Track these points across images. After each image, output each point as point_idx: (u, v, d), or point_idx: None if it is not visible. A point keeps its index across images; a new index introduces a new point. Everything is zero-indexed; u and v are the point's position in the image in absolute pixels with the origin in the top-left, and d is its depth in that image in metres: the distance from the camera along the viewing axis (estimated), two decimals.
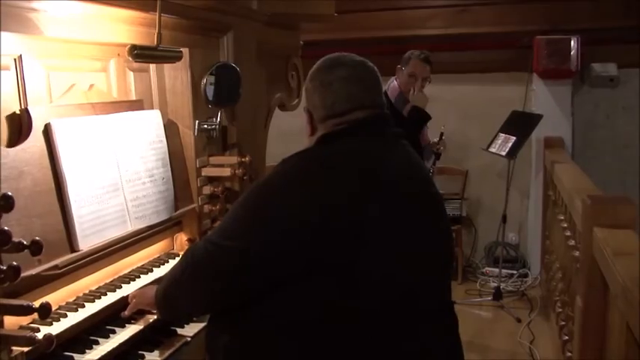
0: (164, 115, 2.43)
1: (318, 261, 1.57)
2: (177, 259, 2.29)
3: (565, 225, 3.87)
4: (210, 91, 2.49)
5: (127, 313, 1.96)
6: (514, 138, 5.07)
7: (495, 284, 5.33)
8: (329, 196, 1.58)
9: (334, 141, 1.73)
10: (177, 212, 2.38)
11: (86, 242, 1.94)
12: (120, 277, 2.15)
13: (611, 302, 2.41)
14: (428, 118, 4.25)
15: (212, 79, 2.50)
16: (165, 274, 1.90)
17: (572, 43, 5.45)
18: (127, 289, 2.06)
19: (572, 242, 3.54)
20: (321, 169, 1.64)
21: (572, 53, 5.45)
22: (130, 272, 2.20)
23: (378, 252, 1.60)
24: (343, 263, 1.57)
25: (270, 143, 3.13)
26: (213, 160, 2.58)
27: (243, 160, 2.58)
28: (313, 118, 1.81)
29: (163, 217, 2.30)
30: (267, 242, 1.59)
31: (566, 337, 3.53)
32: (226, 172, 2.54)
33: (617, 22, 5.46)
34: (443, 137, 4.49)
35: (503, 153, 5.08)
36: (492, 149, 5.21)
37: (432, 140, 4.48)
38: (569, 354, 3.35)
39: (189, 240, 2.47)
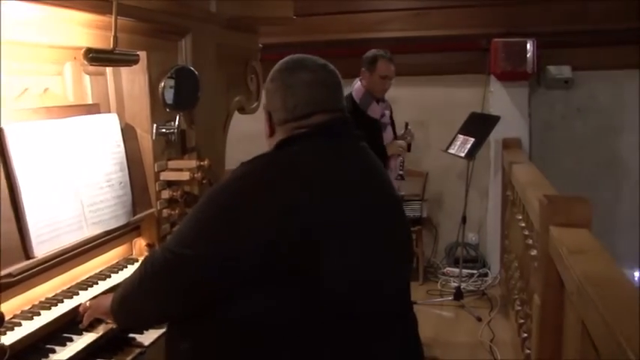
0: (121, 118, 2.39)
1: (278, 266, 1.55)
2: (137, 264, 2.27)
3: (523, 224, 3.93)
4: (168, 95, 2.47)
5: (83, 324, 1.92)
6: (473, 139, 5.13)
7: (456, 284, 5.39)
8: (288, 201, 1.57)
9: (294, 145, 1.71)
10: (136, 217, 2.35)
11: (41, 249, 1.90)
12: (77, 283, 2.11)
13: (567, 300, 2.45)
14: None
15: (170, 82, 2.47)
16: (122, 283, 1.85)
17: (528, 45, 5.54)
18: (84, 296, 2.02)
19: (530, 241, 3.59)
20: (280, 174, 1.62)
21: (528, 56, 5.55)
22: (87, 278, 2.16)
23: (339, 255, 1.59)
24: (304, 268, 1.56)
25: (229, 147, 3.12)
26: (171, 164, 2.55)
27: (202, 163, 2.55)
28: (272, 119, 1.80)
29: (121, 222, 2.27)
30: (225, 250, 1.57)
31: (525, 335, 3.58)
32: (185, 176, 2.52)
33: (571, 26, 5.59)
34: (409, 127, 4.51)
35: (462, 154, 5.13)
36: (451, 150, 5.26)
37: (399, 133, 4.49)
38: (528, 351, 3.40)
39: (148, 245, 2.44)
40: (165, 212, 2.51)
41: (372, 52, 4.24)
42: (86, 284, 2.10)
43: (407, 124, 4.53)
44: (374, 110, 4.19)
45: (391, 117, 4.46)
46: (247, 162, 1.68)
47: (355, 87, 4.17)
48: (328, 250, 1.58)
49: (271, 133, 1.80)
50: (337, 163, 1.71)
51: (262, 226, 1.55)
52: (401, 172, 4.47)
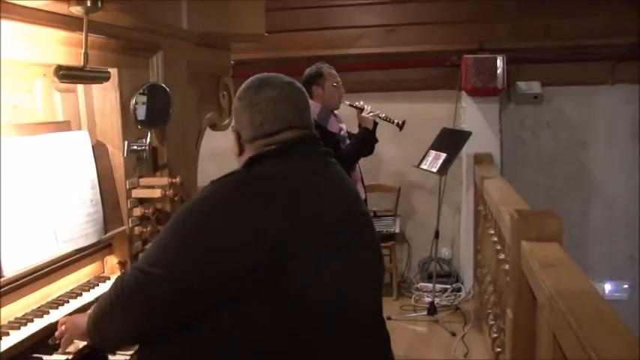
0: (92, 136, 2.39)
1: (248, 285, 1.55)
2: (108, 282, 2.27)
3: (495, 239, 3.96)
4: (139, 112, 2.47)
5: (61, 349, 1.89)
6: (444, 155, 5.15)
7: (430, 299, 5.40)
8: (257, 220, 1.57)
9: (263, 163, 1.72)
10: (107, 235, 2.34)
11: (11, 268, 1.88)
12: (48, 302, 2.09)
13: (538, 313, 2.47)
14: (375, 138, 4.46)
15: (142, 99, 2.47)
16: (96, 304, 1.83)
17: (498, 62, 5.61)
18: (55, 315, 2.00)
19: (502, 256, 3.62)
20: (249, 192, 1.62)
21: (498, 72, 5.61)
22: (58, 297, 2.14)
23: (310, 274, 1.60)
24: (275, 287, 1.56)
25: (202, 163, 3.12)
26: (143, 181, 2.55)
27: (174, 181, 2.56)
28: (241, 138, 1.81)
29: (92, 240, 2.26)
30: (194, 269, 1.56)
31: (499, 349, 3.60)
32: (157, 193, 2.52)
33: (539, 43, 5.70)
34: (357, 104, 4.53)
35: (435, 170, 5.15)
36: (424, 166, 5.29)
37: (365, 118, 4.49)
38: None
39: (119, 263, 2.43)
40: (137, 230, 2.50)
41: (311, 69, 4.28)
42: (57, 303, 2.09)
43: (350, 105, 4.53)
44: (333, 124, 4.23)
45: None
46: (216, 180, 1.68)
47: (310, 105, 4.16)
48: (299, 268, 1.58)
49: (240, 152, 1.81)
50: (306, 179, 1.72)
51: (232, 246, 1.55)
52: (397, 121, 4.66)
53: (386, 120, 4.59)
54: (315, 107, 4.13)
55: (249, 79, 1.84)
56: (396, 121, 4.66)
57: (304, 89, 1.85)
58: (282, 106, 1.77)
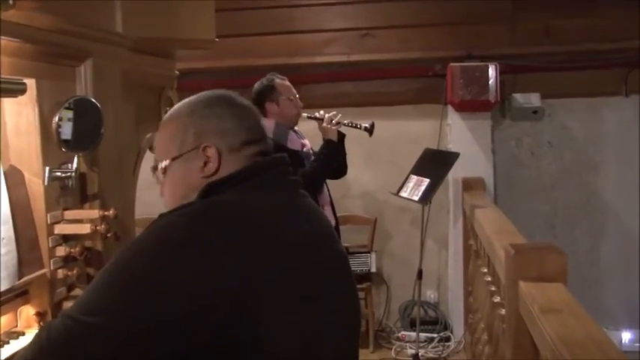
0: (5, 160, 2.35)
1: (203, 338, 1.52)
2: (22, 338, 2.21)
3: (489, 279, 3.97)
4: (64, 131, 2.43)
5: None
6: (427, 180, 5.15)
7: (413, 351, 5.39)
8: (217, 262, 1.54)
9: (223, 192, 1.70)
10: (22, 280, 2.28)
11: None
12: None
13: None
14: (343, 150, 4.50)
15: (67, 115, 2.43)
16: (15, 357, 1.77)
17: (490, 71, 5.66)
18: None
19: (497, 299, 3.62)
20: (207, 229, 1.59)
21: (490, 82, 5.65)
22: None
23: (276, 322, 1.58)
24: (236, 340, 1.54)
25: (141, 190, 3.07)
26: (68, 214, 2.51)
27: (106, 213, 2.52)
28: (220, 152, 1.76)
29: (3, 287, 2.20)
30: (137, 318, 1.52)
31: None
32: (85, 228, 2.47)
33: (538, 48, 5.75)
34: (316, 115, 4.55)
35: (416, 198, 5.14)
36: (403, 194, 5.27)
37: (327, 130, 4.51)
38: None
39: (38, 314, 2.37)
40: (61, 273, 2.45)
41: (260, 83, 4.34)
42: None
43: (309, 117, 4.57)
44: (293, 141, 4.26)
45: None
46: (166, 213, 1.65)
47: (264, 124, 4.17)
48: (265, 318, 1.56)
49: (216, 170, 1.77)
50: (276, 214, 1.71)
51: (185, 292, 1.52)
52: (364, 125, 4.69)
53: (351, 126, 4.60)
54: (269, 124, 4.15)
55: (193, 97, 1.84)
56: (363, 125, 4.68)
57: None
58: (245, 121, 1.79)
